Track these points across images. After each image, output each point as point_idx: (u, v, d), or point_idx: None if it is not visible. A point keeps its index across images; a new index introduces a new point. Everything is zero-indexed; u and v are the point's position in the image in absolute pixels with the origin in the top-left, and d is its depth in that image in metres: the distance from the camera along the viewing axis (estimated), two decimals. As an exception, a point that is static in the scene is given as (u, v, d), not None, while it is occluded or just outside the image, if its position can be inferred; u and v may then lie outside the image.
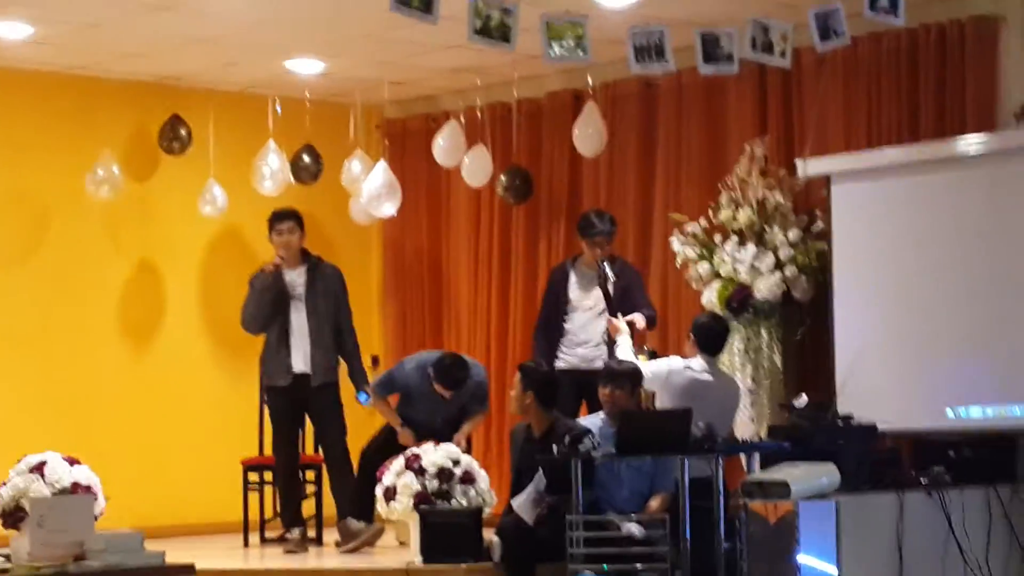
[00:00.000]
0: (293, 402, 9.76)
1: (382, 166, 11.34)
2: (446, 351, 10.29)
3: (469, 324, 11.94)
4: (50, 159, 11.16)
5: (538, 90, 11.56)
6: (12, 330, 10.97)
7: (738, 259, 9.83)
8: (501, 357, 11.61)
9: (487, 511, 8.67)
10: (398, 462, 8.83)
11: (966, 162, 9.12)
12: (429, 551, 8.37)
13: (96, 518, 8.04)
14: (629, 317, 9.30)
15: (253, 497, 10.23)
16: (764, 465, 7.93)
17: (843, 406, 8.48)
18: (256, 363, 10.03)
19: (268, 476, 10.16)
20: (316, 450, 10.08)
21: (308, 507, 10.07)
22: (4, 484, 8.76)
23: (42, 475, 8.74)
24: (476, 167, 11.26)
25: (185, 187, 11.50)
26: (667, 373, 8.66)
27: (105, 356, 11.35)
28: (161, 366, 11.56)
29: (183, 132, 11.37)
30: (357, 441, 9.89)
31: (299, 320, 9.73)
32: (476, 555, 8.27)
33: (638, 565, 7.65)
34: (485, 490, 8.75)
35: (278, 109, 11.60)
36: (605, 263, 9.52)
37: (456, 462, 8.75)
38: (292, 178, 11.58)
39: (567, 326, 9.77)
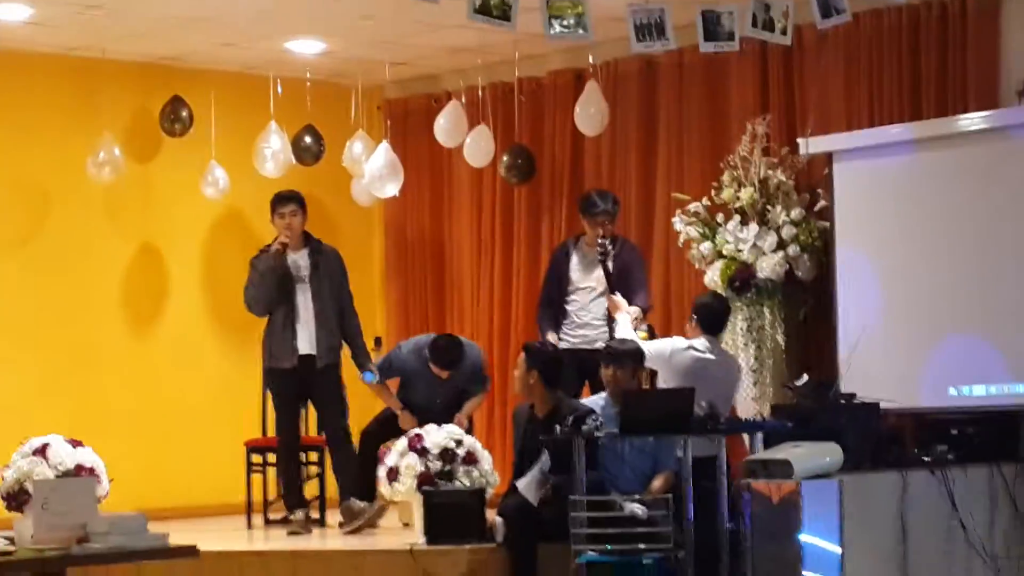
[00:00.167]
0: (297, 384, 9.76)
1: (384, 147, 11.32)
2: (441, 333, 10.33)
3: (471, 304, 11.95)
4: (51, 142, 11.15)
5: (539, 69, 11.54)
6: (14, 313, 10.97)
7: (740, 238, 9.82)
8: (503, 337, 11.62)
9: (490, 492, 8.68)
10: (401, 442, 8.83)
11: (968, 139, 9.11)
12: (432, 532, 8.37)
13: (99, 500, 8.06)
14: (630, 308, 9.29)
15: (256, 479, 10.23)
16: (767, 444, 7.92)
17: (846, 385, 8.47)
18: (259, 345, 10.02)
19: (271, 458, 10.17)
20: (319, 432, 10.08)
21: (311, 489, 10.08)
22: (7, 467, 8.76)
23: (45, 457, 8.74)
24: (478, 147, 11.24)
25: (187, 169, 11.49)
26: (670, 353, 8.66)
27: (108, 338, 11.35)
28: (164, 348, 11.57)
29: (184, 113, 11.36)
30: (358, 423, 9.90)
31: (304, 302, 9.73)
32: (479, 536, 8.27)
33: (641, 545, 7.65)
34: (488, 471, 8.75)
35: (279, 90, 11.58)
36: (606, 241, 9.50)
37: (459, 442, 8.75)
38: (294, 159, 11.57)
39: (568, 307, 9.76)
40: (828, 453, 7.66)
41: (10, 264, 11.01)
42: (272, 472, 10.24)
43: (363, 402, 10.05)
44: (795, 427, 7.92)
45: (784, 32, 8.32)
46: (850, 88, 9.95)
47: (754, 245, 9.78)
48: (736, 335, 9.72)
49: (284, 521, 9.89)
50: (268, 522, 10.20)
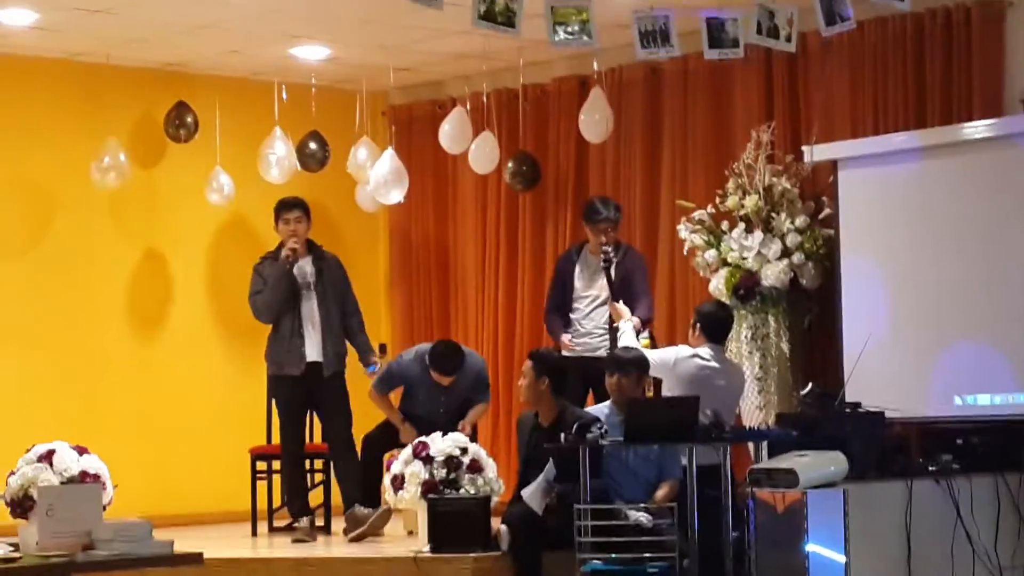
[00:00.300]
0: (302, 391, 9.76)
1: (389, 153, 11.32)
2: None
3: (476, 311, 11.94)
4: (56, 147, 11.16)
5: (544, 76, 11.55)
6: (20, 318, 10.97)
7: (745, 246, 9.82)
8: (508, 344, 11.61)
9: (495, 500, 8.67)
10: (406, 451, 8.82)
11: (973, 147, 9.12)
12: (437, 540, 8.36)
13: (104, 507, 8.03)
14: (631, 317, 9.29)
15: (261, 486, 10.21)
16: (772, 453, 7.91)
17: (851, 394, 8.46)
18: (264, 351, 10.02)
19: (276, 465, 10.15)
20: (324, 440, 10.06)
21: (315, 496, 10.07)
22: (13, 473, 8.75)
23: (51, 464, 8.72)
24: (482, 153, 11.24)
25: (192, 174, 11.49)
26: (674, 361, 8.65)
27: (112, 344, 11.35)
28: (168, 354, 11.57)
29: (189, 119, 11.36)
30: (361, 430, 9.89)
31: (310, 309, 9.72)
32: (484, 544, 8.26)
33: (646, 554, 7.64)
34: (493, 479, 8.73)
35: (284, 96, 11.58)
36: (609, 248, 9.51)
37: (464, 450, 8.73)
38: (298, 165, 11.57)
39: (572, 315, 9.77)
40: (833, 462, 7.65)
41: (15, 269, 11.01)
42: (277, 479, 10.22)
43: (366, 410, 10.04)
44: (800, 436, 7.90)
45: (789, 39, 8.34)
46: (855, 96, 9.95)
47: (759, 253, 9.77)
48: (741, 343, 9.72)
49: (289, 528, 9.88)
50: (273, 529, 10.19)
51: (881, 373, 8.99)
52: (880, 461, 8.02)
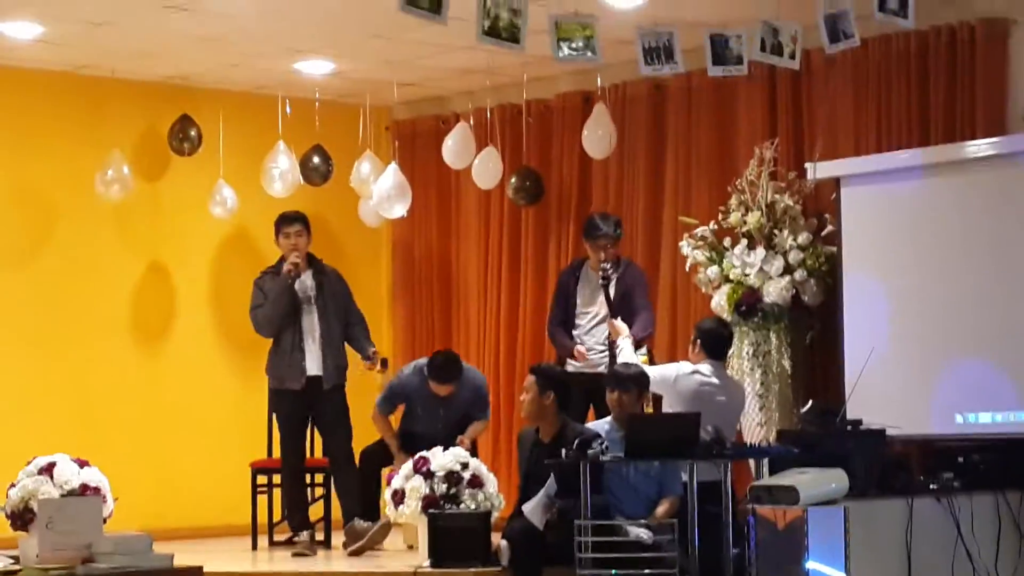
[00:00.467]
0: (303, 405, 9.76)
1: (392, 167, 11.33)
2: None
3: (478, 326, 11.94)
4: (60, 159, 11.17)
5: (548, 91, 11.56)
6: (22, 330, 10.98)
7: (747, 263, 9.82)
8: (510, 359, 11.60)
9: (495, 515, 8.67)
10: (407, 465, 8.82)
11: (976, 165, 9.10)
12: (437, 555, 8.36)
13: (105, 520, 8.03)
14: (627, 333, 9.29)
15: (262, 500, 10.21)
16: (773, 470, 7.91)
17: (852, 411, 8.45)
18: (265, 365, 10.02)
19: (277, 479, 10.15)
20: (324, 454, 10.06)
21: (316, 510, 10.07)
22: (13, 485, 8.76)
23: (51, 476, 8.73)
24: (486, 169, 11.24)
25: (195, 188, 11.51)
26: (675, 378, 8.66)
27: (115, 357, 11.35)
28: (171, 367, 11.57)
29: (193, 133, 11.38)
30: (360, 443, 9.90)
31: (311, 323, 9.74)
32: (484, 559, 8.26)
33: (646, 570, 7.63)
34: (493, 494, 8.74)
35: (288, 110, 11.59)
36: (608, 265, 9.51)
37: (465, 465, 8.73)
38: (302, 179, 11.58)
39: (574, 331, 9.77)
40: (834, 479, 7.64)
41: (19, 281, 11.02)
42: (278, 493, 10.22)
43: (366, 424, 10.04)
44: (801, 453, 7.90)
45: (793, 56, 8.34)
46: (858, 113, 9.95)
47: (761, 269, 9.77)
48: (742, 360, 9.71)
49: (289, 542, 9.88)
50: (273, 543, 10.18)
51: (882, 390, 8.98)
52: (881, 479, 8.02)
